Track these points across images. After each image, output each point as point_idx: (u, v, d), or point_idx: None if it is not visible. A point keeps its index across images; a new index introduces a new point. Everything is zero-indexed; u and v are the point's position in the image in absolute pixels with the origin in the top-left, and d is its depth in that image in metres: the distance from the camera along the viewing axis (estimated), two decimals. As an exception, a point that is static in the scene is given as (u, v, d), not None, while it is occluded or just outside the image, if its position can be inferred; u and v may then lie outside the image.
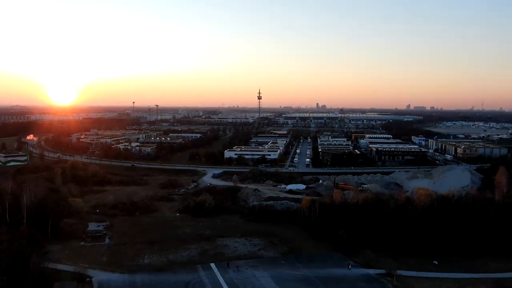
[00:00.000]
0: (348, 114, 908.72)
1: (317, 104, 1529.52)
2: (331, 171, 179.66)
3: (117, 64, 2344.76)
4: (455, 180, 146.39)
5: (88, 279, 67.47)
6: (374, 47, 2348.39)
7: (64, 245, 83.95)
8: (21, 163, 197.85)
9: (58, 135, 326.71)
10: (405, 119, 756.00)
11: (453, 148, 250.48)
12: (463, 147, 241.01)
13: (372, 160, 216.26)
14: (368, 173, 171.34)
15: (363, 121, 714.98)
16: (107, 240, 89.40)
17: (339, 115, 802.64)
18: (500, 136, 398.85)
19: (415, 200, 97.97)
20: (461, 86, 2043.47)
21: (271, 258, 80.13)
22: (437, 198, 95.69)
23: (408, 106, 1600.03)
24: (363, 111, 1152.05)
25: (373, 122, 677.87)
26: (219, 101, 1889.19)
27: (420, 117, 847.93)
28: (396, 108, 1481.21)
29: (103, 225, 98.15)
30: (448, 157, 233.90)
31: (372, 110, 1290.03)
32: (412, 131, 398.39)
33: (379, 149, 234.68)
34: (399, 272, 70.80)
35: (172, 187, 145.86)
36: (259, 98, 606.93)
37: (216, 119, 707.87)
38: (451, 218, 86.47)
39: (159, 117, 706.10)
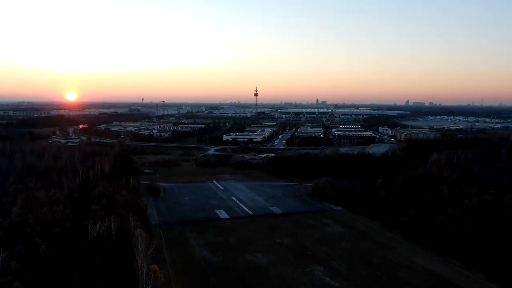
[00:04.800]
0: (341, 109, 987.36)
1: (317, 100, 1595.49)
2: (298, 148, 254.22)
3: (119, 61, 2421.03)
4: (377, 150, 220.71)
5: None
6: (376, 45, 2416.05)
7: (135, 176, 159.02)
8: (75, 144, 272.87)
9: (89, 125, 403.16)
10: (390, 114, 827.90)
11: (400, 134, 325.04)
12: (405, 133, 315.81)
13: (332, 142, 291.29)
14: (322, 149, 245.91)
15: (351, 115, 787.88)
16: (157, 175, 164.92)
17: (329, 110, 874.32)
18: (458, 127, 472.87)
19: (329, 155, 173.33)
20: (463, 83, 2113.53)
21: (244, 180, 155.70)
22: (339, 154, 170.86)
23: (407, 101, 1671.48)
24: (356, 107, 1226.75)
25: (360, 117, 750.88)
26: (221, 97, 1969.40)
27: (408, 112, 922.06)
28: (395, 104, 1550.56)
29: (152, 170, 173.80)
30: (392, 140, 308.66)
31: (371, 106, 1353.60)
32: (382, 123, 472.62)
33: (341, 134, 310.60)
34: (304, 183, 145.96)
35: (187, 156, 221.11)
36: (256, 95, 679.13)
37: (217, 114, 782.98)
38: (342, 162, 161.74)
39: (165, 112, 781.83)
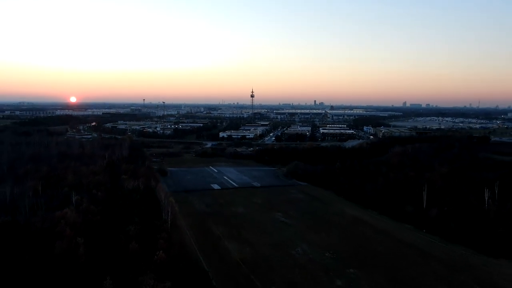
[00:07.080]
0: (335, 110, 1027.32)
1: (315, 101, 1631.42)
2: (285, 143, 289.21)
3: (118, 61, 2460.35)
4: (348, 144, 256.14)
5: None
6: (376, 47, 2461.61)
7: (148, 161, 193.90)
8: (88, 139, 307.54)
9: (96, 124, 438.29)
10: (380, 115, 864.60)
11: (380, 132, 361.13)
12: (383, 131, 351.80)
13: (317, 139, 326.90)
14: (306, 144, 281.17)
15: (343, 116, 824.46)
16: (163, 163, 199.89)
17: (322, 111, 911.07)
18: (439, 127, 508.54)
19: (306, 147, 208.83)
20: (462, 85, 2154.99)
21: (235, 166, 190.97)
22: (315, 146, 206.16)
23: (404, 103, 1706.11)
24: (351, 108, 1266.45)
25: (351, 117, 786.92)
26: (220, 98, 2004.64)
27: (399, 113, 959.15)
28: (392, 105, 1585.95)
29: (159, 159, 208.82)
30: (371, 137, 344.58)
31: (367, 107, 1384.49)
32: (369, 123, 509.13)
33: (326, 132, 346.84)
34: (283, 168, 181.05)
35: (188, 149, 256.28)
36: (252, 96, 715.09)
37: (215, 114, 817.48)
38: (315, 153, 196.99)
39: (165, 113, 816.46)
